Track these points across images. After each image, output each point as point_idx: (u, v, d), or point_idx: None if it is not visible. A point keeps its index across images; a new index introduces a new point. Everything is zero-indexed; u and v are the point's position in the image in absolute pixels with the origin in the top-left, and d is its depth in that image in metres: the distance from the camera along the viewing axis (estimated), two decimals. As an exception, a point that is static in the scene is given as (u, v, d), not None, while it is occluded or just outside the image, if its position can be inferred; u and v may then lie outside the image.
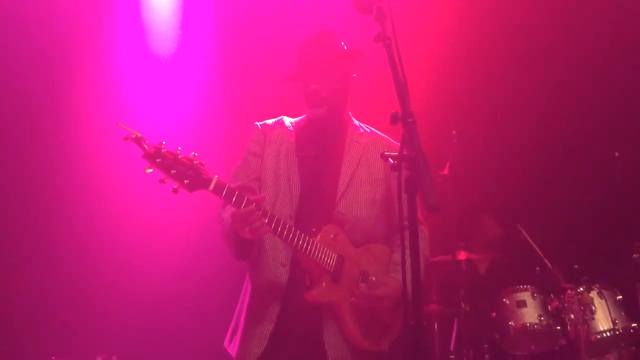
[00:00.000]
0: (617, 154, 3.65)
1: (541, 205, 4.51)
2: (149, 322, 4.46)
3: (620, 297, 3.47)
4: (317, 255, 1.97)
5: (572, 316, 3.37)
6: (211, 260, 4.24)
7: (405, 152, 1.47)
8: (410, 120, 1.49)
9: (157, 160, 1.75)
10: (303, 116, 2.30)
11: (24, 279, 4.34)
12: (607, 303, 3.42)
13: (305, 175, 2.14)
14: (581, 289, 3.44)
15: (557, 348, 3.58)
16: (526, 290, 3.56)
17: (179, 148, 1.83)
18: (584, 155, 4.31)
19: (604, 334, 3.36)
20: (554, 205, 4.42)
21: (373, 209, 2.17)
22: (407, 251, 2.17)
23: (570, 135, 4.42)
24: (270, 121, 2.31)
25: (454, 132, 3.65)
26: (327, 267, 2.00)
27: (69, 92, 4.35)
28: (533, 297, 3.53)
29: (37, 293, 4.33)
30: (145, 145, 1.76)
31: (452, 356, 3.70)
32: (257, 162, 2.20)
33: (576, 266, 3.57)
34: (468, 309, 3.73)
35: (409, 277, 2.07)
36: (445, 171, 3.55)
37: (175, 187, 1.81)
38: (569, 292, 3.46)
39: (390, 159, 1.49)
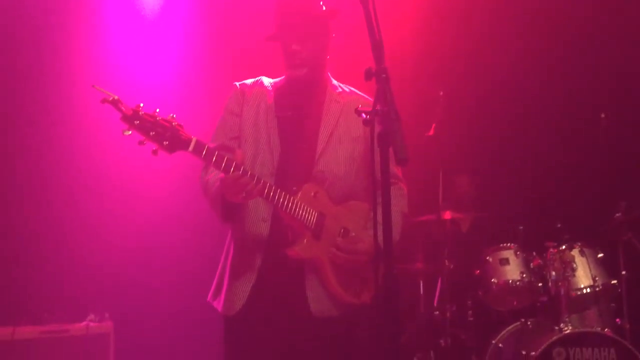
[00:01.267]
0: (603, 116, 3.67)
1: (525, 165, 4.56)
2: (139, 280, 4.54)
3: (601, 255, 3.55)
4: (298, 212, 2.02)
5: (554, 273, 3.45)
6: (196, 216, 4.31)
7: (378, 107, 1.48)
8: (384, 76, 1.50)
9: (135, 122, 1.77)
10: (282, 77, 2.30)
11: (15, 237, 4.38)
12: (587, 261, 3.49)
13: (284, 136, 2.15)
14: (563, 247, 3.51)
15: (538, 304, 3.68)
16: (509, 248, 3.64)
17: (157, 110, 1.84)
18: (569, 116, 4.34)
19: (584, 290, 3.45)
20: (538, 165, 4.47)
21: (352, 166, 2.20)
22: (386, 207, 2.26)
23: (555, 95, 4.44)
24: (249, 81, 2.31)
25: (440, 93, 3.65)
26: (308, 224, 2.04)
27: (52, 51, 4.32)
28: (516, 255, 3.61)
29: (28, 251, 4.39)
30: (122, 108, 1.76)
31: (437, 312, 3.80)
32: (236, 121, 2.21)
33: (559, 225, 3.63)
34: (452, 266, 3.83)
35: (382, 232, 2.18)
36: (431, 132, 3.57)
37: (155, 148, 1.82)
38: (551, 250, 3.54)
39: (363, 114, 1.51)
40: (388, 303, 1.43)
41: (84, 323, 3.92)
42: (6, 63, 4.27)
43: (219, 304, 2.15)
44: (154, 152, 1.83)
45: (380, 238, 2.04)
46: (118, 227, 4.55)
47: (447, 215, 3.79)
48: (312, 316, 2.07)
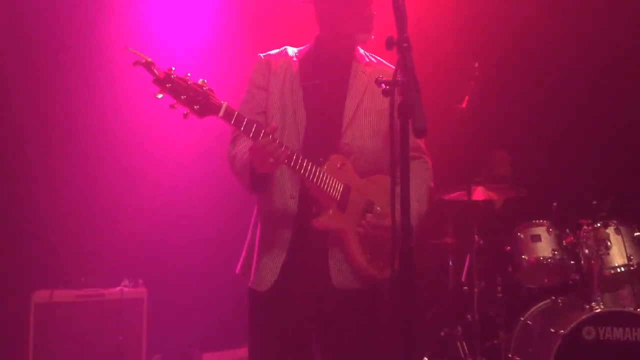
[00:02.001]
0: (476, 64, 3.51)
1: (561, 141, 4.44)
2: (172, 247, 4.65)
3: (638, 233, 3.44)
4: (325, 183, 2.00)
5: (587, 251, 3.37)
6: (228, 185, 4.35)
7: (398, 77, 1.45)
8: (405, 45, 1.46)
9: (167, 85, 1.76)
10: (306, 45, 2.27)
11: (53, 206, 4.52)
12: (623, 239, 3.39)
13: (310, 106, 2.12)
14: (598, 224, 3.41)
15: (570, 282, 3.61)
16: (541, 225, 3.56)
17: (189, 74, 1.82)
18: (607, 92, 4.18)
19: (618, 269, 3.36)
20: (574, 141, 4.34)
21: (378, 140, 2.17)
22: (414, 181, 2.23)
23: (594, 70, 4.28)
24: (273, 52, 2.28)
25: (475, 64, 3.56)
26: (334, 195, 2.03)
27: (84, 16, 4.36)
28: (548, 232, 3.53)
29: (66, 218, 4.53)
30: (155, 70, 1.75)
31: (465, 287, 3.77)
32: (262, 95, 2.19)
33: (594, 202, 3.53)
34: (482, 242, 3.78)
35: (411, 205, 2.14)
36: (464, 104, 3.49)
37: (186, 112, 1.82)
38: (585, 227, 3.44)
39: (383, 85, 1.47)
40: (404, 278, 1.42)
41: (119, 288, 4.05)
42: (38, 24, 4.31)
43: (248, 279, 2.16)
44: (185, 116, 1.82)
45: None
46: (151, 196, 4.64)
47: (480, 192, 3.72)
48: (333, 288, 2.07)
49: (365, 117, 2.15)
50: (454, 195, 3.65)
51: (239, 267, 2.23)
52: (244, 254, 2.23)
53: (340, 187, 2.05)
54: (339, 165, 2.07)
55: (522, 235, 3.57)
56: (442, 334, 3.85)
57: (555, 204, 3.62)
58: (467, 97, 3.51)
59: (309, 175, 1.97)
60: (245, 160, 2.03)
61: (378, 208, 2.12)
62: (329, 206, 2.04)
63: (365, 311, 2.16)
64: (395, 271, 1.47)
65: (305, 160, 1.96)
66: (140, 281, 4.17)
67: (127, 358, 3.92)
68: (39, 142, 4.50)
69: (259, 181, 2.07)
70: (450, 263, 3.91)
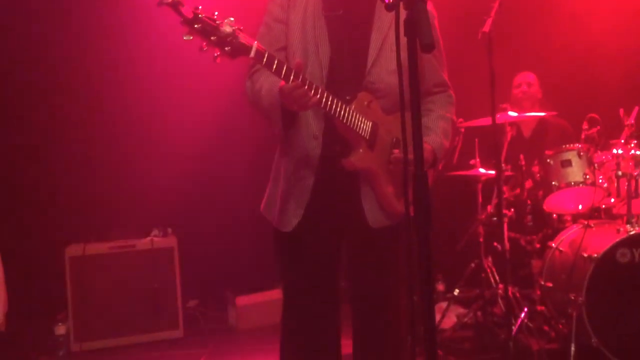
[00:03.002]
0: None
1: (590, 61, 4.25)
2: (199, 195, 4.69)
3: (674, 152, 3.29)
4: (354, 122, 1.95)
5: (620, 173, 3.25)
6: (251, 126, 4.35)
7: (404, -10, 1.34)
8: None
9: (196, 26, 1.65)
10: None
11: (82, 161, 4.59)
12: (658, 158, 3.26)
13: (334, 39, 2.02)
14: (632, 145, 3.28)
15: (602, 206, 3.51)
16: (572, 149, 3.43)
17: (216, 13, 1.71)
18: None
19: (653, 190, 3.24)
20: (605, 59, 4.14)
21: (403, 76, 2.08)
22: (439, 114, 2.15)
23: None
24: None
25: (497, -15, 3.35)
26: (363, 134, 1.98)
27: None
28: (579, 155, 3.41)
29: (95, 173, 4.60)
30: (182, 10, 1.64)
31: (495, 218, 3.70)
32: (281, 29, 2.08)
33: (628, 123, 3.37)
34: (510, 171, 3.68)
35: (435, 139, 2.08)
36: (486, 28, 3.31)
37: (216, 54, 1.71)
38: (618, 148, 3.31)
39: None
40: (419, 207, 1.37)
41: (149, 238, 4.11)
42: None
43: (273, 219, 2.14)
44: (215, 59, 1.72)
45: (428, 145, 1.99)
46: (174, 145, 4.65)
47: (507, 118, 3.59)
48: (368, 227, 2.05)
49: (391, 53, 2.04)
50: (480, 121, 3.53)
51: (262, 205, 2.21)
52: (267, 193, 2.21)
53: (369, 125, 1.99)
54: (366, 103, 2.01)
55: (551, 161, 3.46)
56: (473, 265, 3.82)
57: (586, 127, 3.47)
58: (489, 20, 3.33)
59: (338, 115, 1.91)
60: (274, 96, 1.94)
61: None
62: (359, 145, 2.00)
63: (394, 245, 2.15)
64: (410, 203, 1.42)
65: (335, 100, 1.90)
66: (170, 230, 4.23)
67: (163, 305, 4.03)
68: (67, 96, 4.54)
69: (290, 119, 2.00)
70: (479, 193, 3.83)
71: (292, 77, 1.79)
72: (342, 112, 1.91)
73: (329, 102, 1.88)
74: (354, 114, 1.94)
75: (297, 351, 2.16)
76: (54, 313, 3.96)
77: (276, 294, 4.38)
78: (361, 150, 1.99)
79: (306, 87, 1.82)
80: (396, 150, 2.05)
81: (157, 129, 4.65)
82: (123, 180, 4.61)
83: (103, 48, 4.50)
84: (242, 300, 4.29)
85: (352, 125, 1.94)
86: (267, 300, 4.34)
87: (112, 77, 4.56)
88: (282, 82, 1.83)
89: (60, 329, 3.84)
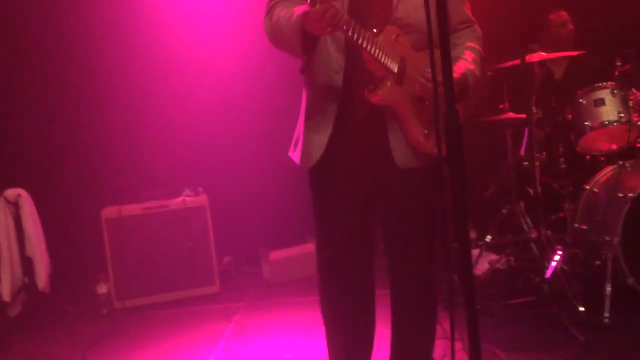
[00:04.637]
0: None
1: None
2: (227, 153, 4.74)
3: None
4: (381, 55, 1.89)
5: (656, 109, 3.14)
6: (277, 79, 4.32)
7: None
8: None
9: None
10: None
11: (113, 127, 4.67)
12: (696, 93, 3.14)
13: None
14: (668, 80, 3.16)
15: (638, 145, 3.41)
16: (605, 87, 3.32)
17: None
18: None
19: (691, 126, 3.14)
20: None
21: (430, 12, 2.02)
22: (469, 45, 2.08)
23: None
24: None
25: None
26: (391, 67, 1.92)
27: None
28: (612, 94, 3.30)
29: (126, 138, 4.68)
30: None
31: (526, 163, 3.64)
32: None
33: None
34: (540, 113, 3.60)
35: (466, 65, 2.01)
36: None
37: None
38: (654, 84, 3.20)
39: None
40: (450, 141, 1.34)
41: (181, 198, 4.18)
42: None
43: (296, 157, 2.13)
44: None
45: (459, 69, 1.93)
46: (201, 105, 4.68)
47: (535, 57, 3.48)
48: (395, 167, 2.01)
49: None
50: (510, 63, 3.43)
51: (290, 148, 2.19)
52: (295, 134, 2.19)
53: (397, 59, 1.93)
54: (394, 37, 1.94)
55: (584, 101, 3.36)
56: (504, 211, 3.78)
57: (619, 63, 3.34)
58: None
59: (367, 45, 1.84)
60: (294, 21, 1.89)
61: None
62: (386, 79, 1.92)
63: (424, 187, 2.10)
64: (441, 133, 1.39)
65: (363, 30, 1.83)
66: (200, 189, 4.29)
67: (199, 262, 4.12)
68: (101, 63, 4.60)
69: (310, 42, 1.95)
70: (509, 138, 3.76)
71: (318, 3, 1.74)
72: (369, 44, 1.85)
73: (357, 32, 1.81)
74: (382, 46, 1.88)
75: (332, 291, 2.17)
76: (95, 273, 4.10)
77: (308, 248, 4.44)
78: (389, 84, 1.92)
79: (334, 9, 1.75)
80: (422, 79, 1.96)
81: (184, 91, 4.69)
82: (153, 143, 4.69)
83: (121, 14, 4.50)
84: (276, 254, 4.35)
85: (379, 58, 1.88)
86: (300, 254, 4.41)
87: (144, 45, 4.59)
88: (307, 7, 1.77)
89: (102, 288, 3.98)
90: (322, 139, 2.03)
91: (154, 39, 4.59)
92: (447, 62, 1.30)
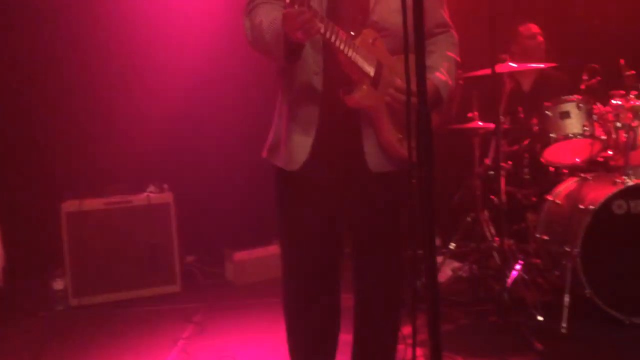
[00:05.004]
0: None
1: (593, 10, 4.16)
2: (194, 149, 4.66)
3: (673, 104, 3.25)
4: (358, 58, 1.89)
5: (619, 124, 3.21)
6: (246, 79, 4.28)
7: None
8: None
9: None
10: None
11: (77, 118, 4.56)
12: (658, 110, 3.22)
13: None
14: (631, 95, 3.23)
15: (600, 159, 3.48)
16: (571, 100, 3.38)
17: None
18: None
19: (652, 142, 3.22)
20: (607, 11, 4.06)
21: (407, 16, 2.02)
22: (442, 53, 2.09)
23: None
24: None
25: None
26: (367, 70, 1.92)
27: None
28: (578, 107, 3.36)
29: (89, 129, 4.57)
30: None
31: (491, 172, 3.68)
32: None
33: (628, 73, 3.31)
34: (508, 123, 3.65)
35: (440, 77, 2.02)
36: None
37: None
38: (618, 99, 3.27)
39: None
40: (421, 149, 1.34)
41: (145, 194, 4.10)
42: None
43: (279, 160, 2.09)
44: None
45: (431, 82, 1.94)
46: (170, 99, 4.61)
47: (507, 68, 3.52)
48: (368, 171, 2.02)
49: None
50: (480, 72, 3.47)
51: (265, 150, 2.15)
52: (270, 136, 2.15)
53: (373, 63, 1.93)
54: (371, 41, 1.94)
55: (550, 113, 3.42)
56: (469, 219, 3.82)
57: (585, 77, 3.41)
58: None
59: (343, 47, 1.84)
60: (277, 27, 1.86)
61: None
62: (362, 82, 1.93)
63: (395, 192, 2.11)
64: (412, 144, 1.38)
65: (340, 33, 1.83)
66: (166, 186, 4.22)
67: (161, 260, 4.05)
68: (61, 55, 4.48)
69: (295, 50, 1.92)
70: (476, 147, 3.80)
71: (296, 5, 1.72)
72: (347, 47, 1.85)
73: (334, 34, 1.81)
74: (359, 49, 1.88)
75: (296, 297, 2.15)
76: (51, 269, 3.98)
77: (273, 249, 4.40)
78: (365, 87, 1.93)
79: (311, 12, 1.74)
80: (398, 80, 1.97)
81: (152, 84, 4.60)
82: (119, 136, 4.59)
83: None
84: (240, 255, 4.31)
85: (356, 61, 1.88)
86: (264, 256, 4.36)
87: (104, 35, 4.49)
88: (287, 9, 1.75)
89: (58, 284, 3.87)
90: (307, 141, 2.01)
91: (122, 31, 4.50)
92: (421, 70, 1.29)
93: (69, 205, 3.93)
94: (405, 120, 1.48)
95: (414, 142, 1.46)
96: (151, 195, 4.10)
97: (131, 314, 3.73)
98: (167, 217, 4.09)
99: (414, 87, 1.67)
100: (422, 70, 1.33)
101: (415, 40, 1.39)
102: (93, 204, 3.98)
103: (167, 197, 4.11)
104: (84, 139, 4.57)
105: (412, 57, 2.02)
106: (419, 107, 1.36)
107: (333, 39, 1.81)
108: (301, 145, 2.01)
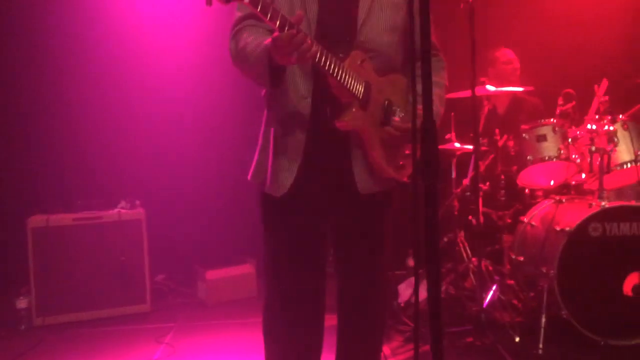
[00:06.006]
0: None
1: (569, 36, 4.27)
2: (167, 167, 4.57)
3: (645, 129, 3.34)
4: (348, 80, 1.88)
5: (594, 148, 3.28)
6: (223, 97, 4.23)
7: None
8: None
9: None
10: None
11: (46, 128, 4.42)
12: (630, 135, 3.31)
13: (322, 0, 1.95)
14: (605, 120, 3.31)
15: (573, 183, 3.55)
16: (548, 124, 3.45)
17: None
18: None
19: (625, 166, 3.30)
20: (582, 36, 4.16)
21: (394, 36, 2.02)
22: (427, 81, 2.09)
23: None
24: None
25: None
26: (356, 93, 1.92)
27: None
28: (554, 131, 3.43)
29: (59, 142, 4.44)
30: None
31: (468, 193, 3.71)
32: None
33: (603, 99, 3.39)
34: (485, 145, 3.69)
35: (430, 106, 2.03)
36: (467, -1, 3.27)
37: None
38: (593, 123, 3.34)
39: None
40: (427, 178, 1.32)
41: (116, 210, 3.99)
42: None
43: (263, 185, 2.06)
44: (208, 3, 1.63)
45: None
46: (143, 115, 4.52)
47: (484, 91, 3.57)
48: (357, 194, 2.01)
49: (381, 12, 1.98)
50: (459, 94, 3.51)
51: (250, 173, 2.12)
52: (255, 158, 2.11)
53: (362, 84, 1.93)
54: (359, 62, 1.94)
55: (527, 136, 3.47)
56: (445, 239, 3.83)
57: (561, 101, 3.48)
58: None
59: (332, 71, 1.83)
60: (261, 51, 1.84)
61: (396, 108, 2.03)
62: (351, 105, 1.93)
63: (382, 213, 2.12)
64: (419, 171, 1.37)
65: (330, 55, 1.81)
66: (138, 202, 4.11)
67: (131, 278, 3.92)
68: (32, 67, 4.36)
69: (278, 73, 1.89)
70: (453, 167, 3.83)
71: (286, 27, 1.70)
72: (337, 69, 1.83)
73: (324, 57, 1.80)
74: (348, 71, 1.88)
75: (279, 323, 2.10)
76: (15, 286, 3.81)
77: (246, 269, 4.33)
78: (354, 110, 1.92)
79: (303, 34, 1.72)
80: (395, 119, 1.99)
81: (125, 99, 4.52)
82: (90, 150, 4.48)
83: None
84: (212, 274, 4.21)
85: (345, 84, 1.87)
86: (237, 275, 4.29)
87: (77, 47, 4.40)
88: (276, 33, 1.73)
89: (22, 303, 3.71)
90: (293, 166, 1.98)
91: (96, 46, 4.41)
92: (429, 96, 1.30)
93: (35, 221, 3.79)
94: (412, 145, 1.45)
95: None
96: (122, 211, 3.99)
97: (98, 334, 3.60)
98: (138, 233, 3.98)
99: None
100: (428, 83, 1.32)
101: (409, 62, 1.37)
102: (61, 219, 3.85)
103: (139, 213, 4.01)
104: (53, 151, 4.43)
105: (400, 77, 2.08)
106: (425, 123, 1.34)
107: (324, 62, 1.80)
108: (287, 171, 1.99)
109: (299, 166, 1.98)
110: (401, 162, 2.08)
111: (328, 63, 1.81)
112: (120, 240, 3.92)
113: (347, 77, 1.87)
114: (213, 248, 4.49)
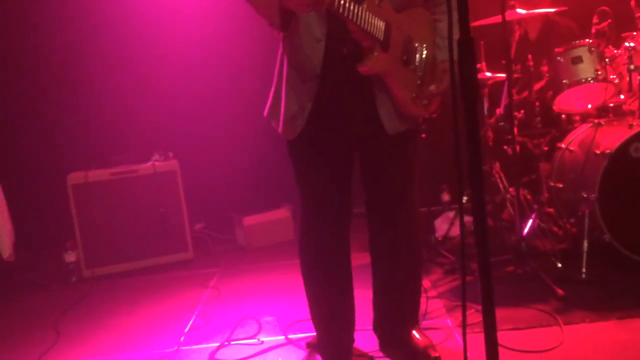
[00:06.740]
0: None
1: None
2: (197, 117, 4.60)
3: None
4: (368, 24, 1.84)
5: (632, 67, 3.15)
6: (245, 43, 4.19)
7: None
8: None
9: None
10: None
11: (78, 90, 4.48)
12: (672, 49, 3.16)
13: None
14: (644, 36, 3.17)
15: (611, 105, 3.43)
16: (583, 45, 3.31)
17: None
18: None
19: (666, 83, 3.17)
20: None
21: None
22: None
23: None
24: None
25: None
26: (377, 35, 1.88)
27: None
28: (590, 51, 3.29)
29: (92, 102, 4.50)
30: None
31: (502, 123, 3.63)
32: None
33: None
34: (518, 72, 3.58)
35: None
36: None
37: None
38: (630, 40, 3.20)
39: None
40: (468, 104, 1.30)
41: (150, 163, 4.04)
42: None
43: (277, 126, 2.10)
44: None
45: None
46: (171, 68, 4.53)
47: (515, 14, 3.44)
48: (385, 135, 2.03)
49: None
50: (488, 21, 3.38)
51: (266, 110, 2.16)
52: (270, 98, 2.14)
53: (382, 25, 1.89)
54: (377, 2, 1.89)
55: (561, 59, 3.34)
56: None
57: (596, 20, 3.33)
58: None
59: (352, 17, 1.79)
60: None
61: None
62: (372, 48, 1.90)
63: (409, 150, 2.16)
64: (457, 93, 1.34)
65: (347, 1, 1.77)
66: (171, 154, 4.16)
67: (171, 228, 4.01)
68: (65, 25, 4.39)
69: (287, 17, 1.89)
70: (485, 97, 3.74)
71: None
72: (356, 14, 1.80)
73: (341, 4, 1.76)
74: (367, 14, 1.84)
75: (312, 235, 2.17)
76: (62, 241, 3.95)
77: (283, 213, 4.38)
78: (376, 54, 1.90)
79: None
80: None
81: (156, 55, 4.53)
82: (122, 107, 4.53)
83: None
84: (249, 220, 4.28)
85: (365, 27, 1.84)
86: (274, 220, 4.35)
87: (117, 13, 4.41)
88: None
89: (70, 256, 3.84)
90: (304, 110, 2.00)
91: (127, 7, 4.39)
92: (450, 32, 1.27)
93: (75, 177, 3.87)
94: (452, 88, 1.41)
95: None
96: (156, 163, 4.04)
97: (145, 283, 3.72)
98: (174, 185, 4.04)
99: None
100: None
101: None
102: (99, 175, 3.93)
103: (173, 164, 4.06)
104: (87, 111, 4.50)
105: (421, 11, 2.02)
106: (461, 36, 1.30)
107: (342, 9, 1.75)
108: (297, 114, 2.01)
109: (312, 108, 1.99)
110: (426, 101, 2.08)
111: (347, 6, 1.76)
112: (157, 192, 3.99)
113: (366, 20, 1.83)
114: (248, 195, 4.55)
